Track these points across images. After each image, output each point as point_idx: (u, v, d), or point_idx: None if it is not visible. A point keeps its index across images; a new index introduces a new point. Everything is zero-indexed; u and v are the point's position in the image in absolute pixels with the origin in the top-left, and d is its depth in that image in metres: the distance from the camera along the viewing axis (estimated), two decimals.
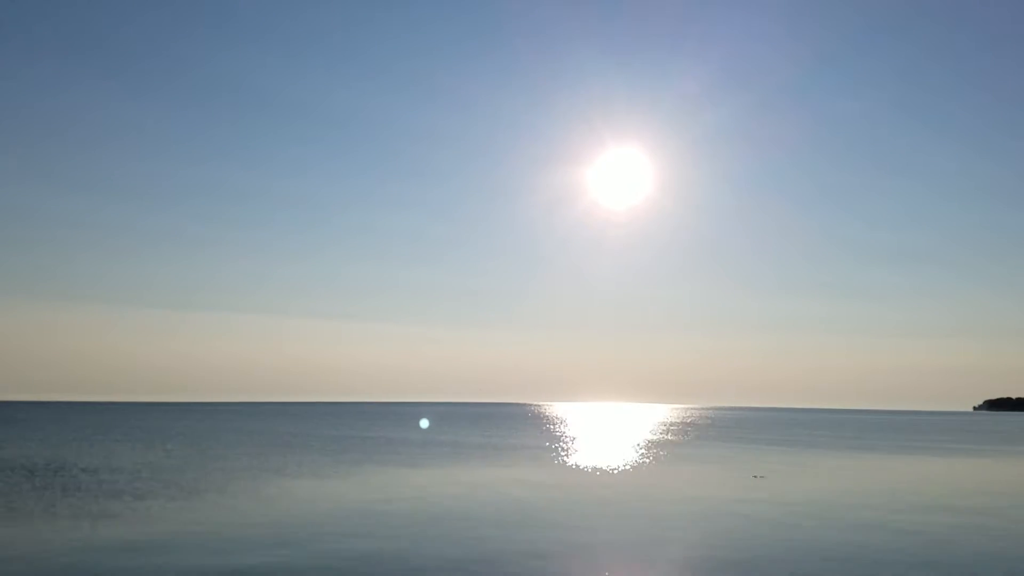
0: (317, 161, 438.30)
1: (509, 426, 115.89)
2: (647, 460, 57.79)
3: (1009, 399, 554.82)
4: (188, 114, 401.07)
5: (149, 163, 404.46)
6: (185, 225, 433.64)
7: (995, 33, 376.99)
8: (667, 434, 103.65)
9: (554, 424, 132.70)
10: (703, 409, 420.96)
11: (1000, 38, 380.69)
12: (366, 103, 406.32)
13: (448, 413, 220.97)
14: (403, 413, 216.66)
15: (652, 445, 76.96)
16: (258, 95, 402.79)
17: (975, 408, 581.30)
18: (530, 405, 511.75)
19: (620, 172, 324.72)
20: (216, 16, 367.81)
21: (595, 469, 49.65)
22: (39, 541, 23.54)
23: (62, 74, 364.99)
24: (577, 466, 52.24)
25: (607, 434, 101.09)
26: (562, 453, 64.11)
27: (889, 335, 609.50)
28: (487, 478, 43.25)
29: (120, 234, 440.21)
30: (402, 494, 35.74)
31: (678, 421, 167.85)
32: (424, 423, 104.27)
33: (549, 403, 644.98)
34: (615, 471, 48.50)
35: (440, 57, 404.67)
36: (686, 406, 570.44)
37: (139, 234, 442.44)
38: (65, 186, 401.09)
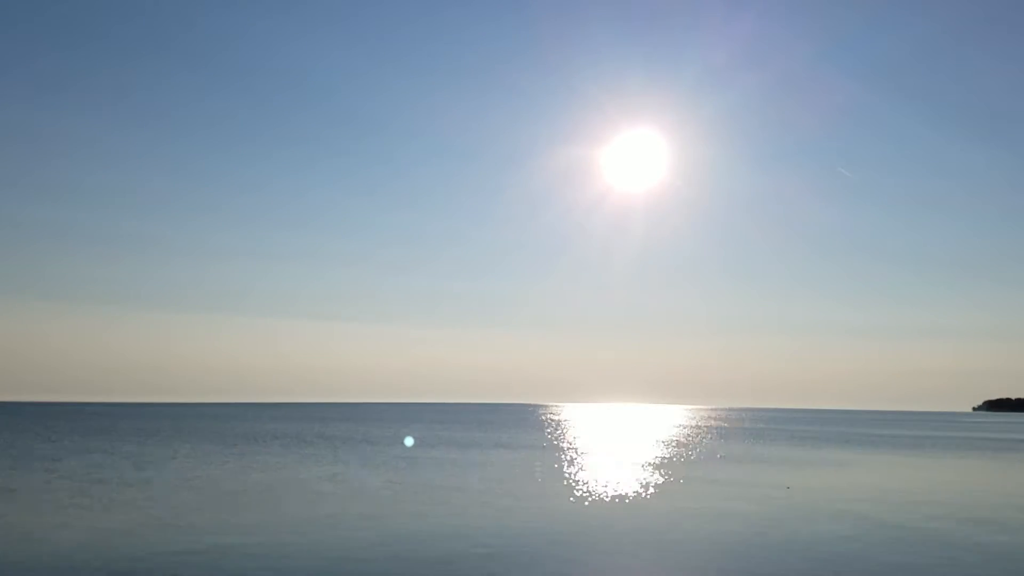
0: (315, 159, 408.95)
1: (516, 444, 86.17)
2: None
3: (1008, 399, 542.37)
4: (180, 115, 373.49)
5: (139, 166, 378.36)
6: (177, 227, 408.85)
7: None
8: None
9: (575, 438, 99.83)
10: (719, 411, 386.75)
11: None
12: (362, 96, 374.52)
13: (450, 417, 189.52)
14: (402, 416, 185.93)
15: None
16: (253, 91, 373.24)
17: (975, 408, 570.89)
18: (539, 406, 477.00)
19: (634, 156, 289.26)
20: (207, 16, 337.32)
21: None
22: None
23: (44, 80, 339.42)
24: None
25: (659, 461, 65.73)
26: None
27: (889, 336, 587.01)
28: None
29: (112, 237, 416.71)
30: None
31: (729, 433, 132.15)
32: (409, 441, 78.32)
33: (559, 404, 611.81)
34: None
35: (446, 44, 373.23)
36: (700, 407, 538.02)
37: (131, 237, 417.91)
38: (57, 191, 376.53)
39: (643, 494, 37.27)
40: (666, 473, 48.18)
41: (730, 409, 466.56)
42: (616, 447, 75.65)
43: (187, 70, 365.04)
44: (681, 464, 55.54)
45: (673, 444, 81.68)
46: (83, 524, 26.95)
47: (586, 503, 33.90)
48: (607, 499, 34.89)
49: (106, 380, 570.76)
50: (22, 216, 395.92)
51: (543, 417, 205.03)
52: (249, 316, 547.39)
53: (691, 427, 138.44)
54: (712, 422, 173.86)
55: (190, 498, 33.66)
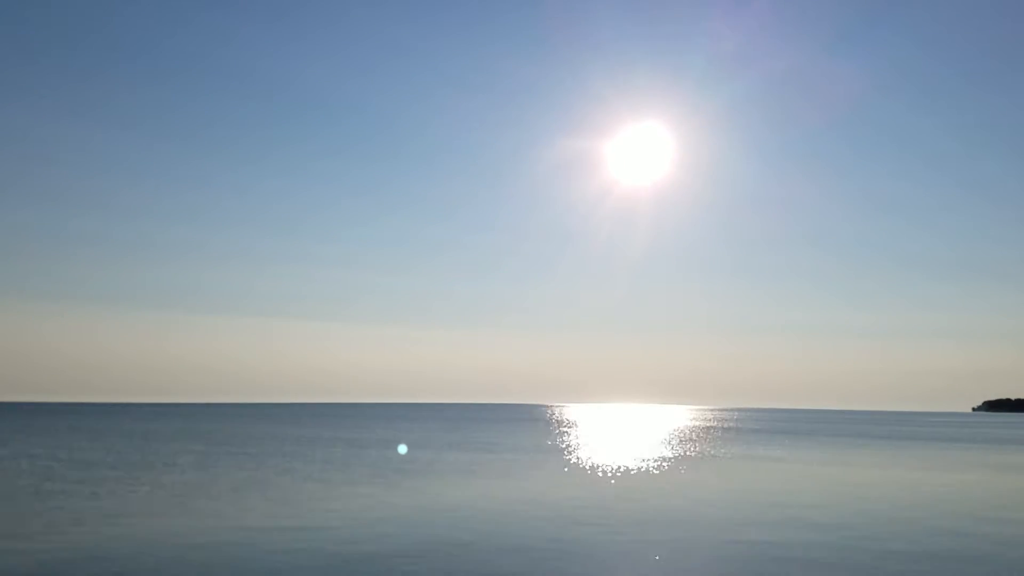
0: (314, 157, 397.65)
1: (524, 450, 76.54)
2: None
3: (1008, 400, 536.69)
4: (180, 116, 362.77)
5: (137, 167, 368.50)
6: (176, 228, 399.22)
7: None
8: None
9: (577, 438, 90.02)
10: (720, 411, 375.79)
11: None
12: (365, 93, 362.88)
13: (452, 418, 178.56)
14: (402, 417, 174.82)
15: None
16: (252, 88, 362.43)
17: (974, 409, 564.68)
18: (541, 406, 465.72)
19: (640, 149, 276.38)
20: (202, 17, 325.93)
21: None
22: None
23: (40, 84, 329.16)
24: None
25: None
26: None
27: (889, 336, 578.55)
28: None
29: (111, 238, 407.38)
30: None
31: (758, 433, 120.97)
32: (402, 449, 71.24)
33: (561, 404, 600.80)
34: None
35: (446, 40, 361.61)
36: (703, 407, 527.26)
37: (130, 238, 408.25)
38: (56, 193, 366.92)
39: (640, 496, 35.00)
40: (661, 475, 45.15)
41: (733, 409, 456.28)
42: (619, 447, 73.13)
43: (184, 72, 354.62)
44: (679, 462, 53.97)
45: (671, 445, 79.22)
46: None
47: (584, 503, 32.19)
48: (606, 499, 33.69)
49: (104, 380, 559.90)
50: (21, 217, 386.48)
51: (545, 417, 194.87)
52: (248, 316, 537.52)
53: (691, 428, 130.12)
54: (712, 423, 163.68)
55: None
